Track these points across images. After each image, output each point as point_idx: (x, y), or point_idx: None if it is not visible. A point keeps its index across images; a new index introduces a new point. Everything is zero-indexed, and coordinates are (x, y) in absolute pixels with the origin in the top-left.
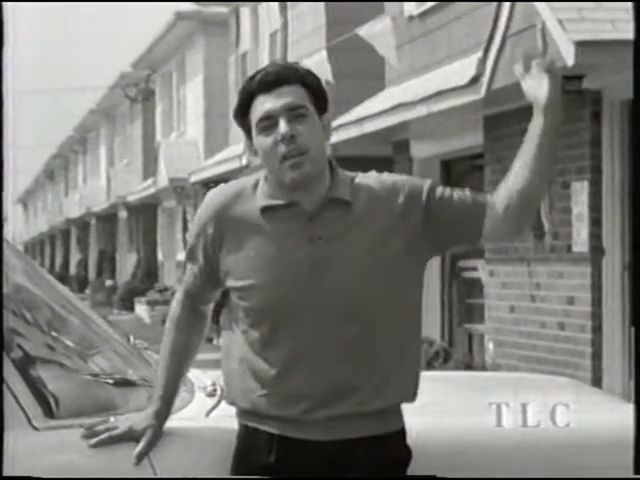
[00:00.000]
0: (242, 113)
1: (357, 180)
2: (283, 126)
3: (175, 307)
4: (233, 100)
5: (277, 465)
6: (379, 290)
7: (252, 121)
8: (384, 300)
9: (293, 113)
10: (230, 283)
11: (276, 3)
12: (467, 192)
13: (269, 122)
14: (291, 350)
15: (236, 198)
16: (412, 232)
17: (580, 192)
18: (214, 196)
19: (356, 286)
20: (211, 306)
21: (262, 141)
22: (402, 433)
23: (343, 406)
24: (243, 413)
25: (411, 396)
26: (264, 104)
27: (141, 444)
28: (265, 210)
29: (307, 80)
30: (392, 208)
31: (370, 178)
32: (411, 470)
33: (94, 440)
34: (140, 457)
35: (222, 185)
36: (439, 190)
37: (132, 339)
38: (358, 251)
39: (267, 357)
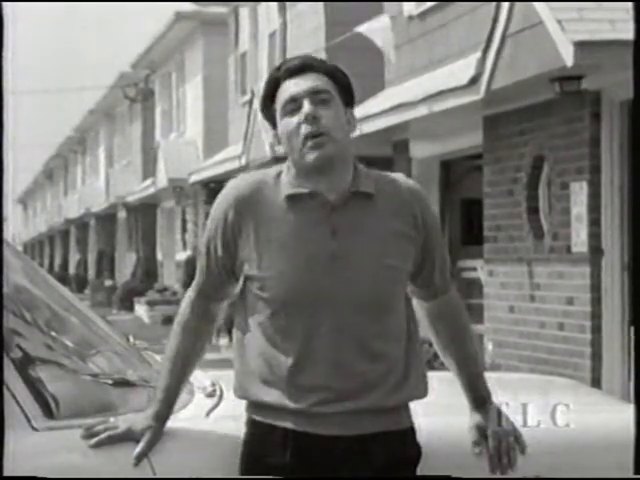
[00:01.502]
0: (269, 101)
1: (381, 176)
2: (307, 106)
3: (184, 308)
4: (233, 100)
5: (291, 464)
6: (393, 287)
7: (277, 106)
8: (398, 297)
9: (317, 97)
10: (249, 272)
11: (275, 3)
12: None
13: (294, 105)
14: (309, 342)
15: (258, 186)
16: (415, 239)
17: (579, 193)
18: (235, 184)
19: (374, 281)
20: (222, 306)
21: (286, 122)
22: (412, 430)
23: (361, 401)
24: (256, 407)
25: (424, 392)
26: (290, 88)
27: (140, 445)
28: (289, 199)
29: (333, 71)
30: (412, 211)
31: (396, 177)
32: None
33: (94, 440)
34: (139, 458)
35: (242, 175)
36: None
37: (131, 339)
38: (378, 245)
39: (284, 348)
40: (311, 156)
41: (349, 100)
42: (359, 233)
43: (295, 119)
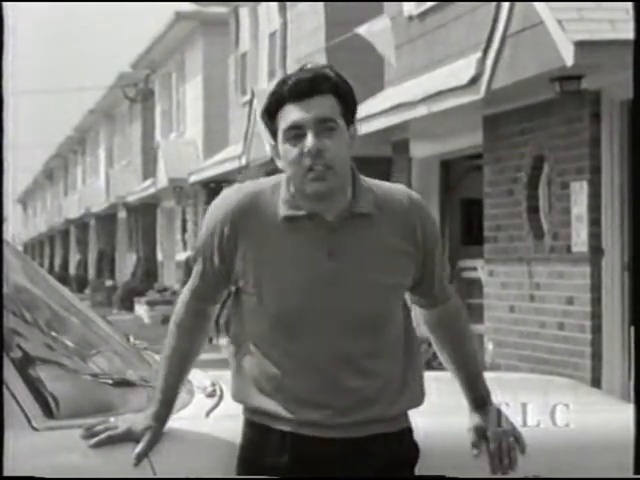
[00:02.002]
0: (270, 116)
1: (380, 191)
2: (311, 140)
3: (179, 309)
4: (233, 100)
5: (289, 465)
6: (390, 306)
7: (279, 127)
8: (395, 313)
9: (322, 126)
10: (245, 287)
11: (275, 3)
12: (442, 274)
13: (297, 132)
14: (303, 360)
15: (254, 200)
16: (414, 256)
17: (579, 192)
18: (230, 195)
19: (371, 302)
20: (217, 307)
21: (288, 150)
22: (410, 431)
23: (358, 416)
24: (254, 411)
25: (421, 400)
26: (293, 113)
27: (140, 445)
28: (286, 219)
29: (340, 90)
30: (413, 227)
31: (397, 189)
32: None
33: (93, 440)
34: (139, 458)
35: (237, 185)
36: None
37: (132, 339)
38: (376, 265)
39: (279, 364)
40: (312, 188)
41: (352, 116)
42: (356, 254)
43: (297, 149)
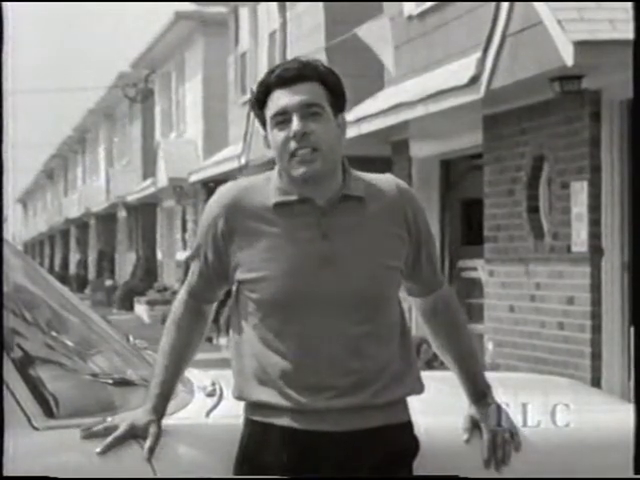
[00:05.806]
0: (259, 105)
1: (371, 178)
2: (296, 123)
3: (177, 307)
4: (232, 100)
5: (289, 462)
6: (385, 287)
7: (268, 114)
8: (388, 297)
9: (308, 110)
10: (241, 276)
11: (275, 3)
12: (432, 265)
13: (283, 117)
14: (301, 342)
15: (247, 192)
16: (406, 241)
17: (579, 192)
18: (224, 191)
19: (366, 282)
20: (214, 307)
21: (275, 135)
22: (410, 424)
23: (355, 399)
24: (253, 407)
25: (420, 389)
26: (280, 99)
27: (149, 439)
28: (278, 205)
29: (326, 78)
30: (403, 211)
31: (385, 178)
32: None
33: (100, 447)
34: (151, 452)
35: (231, 182)
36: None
37: (132, 339)
38: (370, 246)
39: (279, 349)
40: (299, 171)
41: (341, 105)
42: (350, 235)
43: (284, 133)
